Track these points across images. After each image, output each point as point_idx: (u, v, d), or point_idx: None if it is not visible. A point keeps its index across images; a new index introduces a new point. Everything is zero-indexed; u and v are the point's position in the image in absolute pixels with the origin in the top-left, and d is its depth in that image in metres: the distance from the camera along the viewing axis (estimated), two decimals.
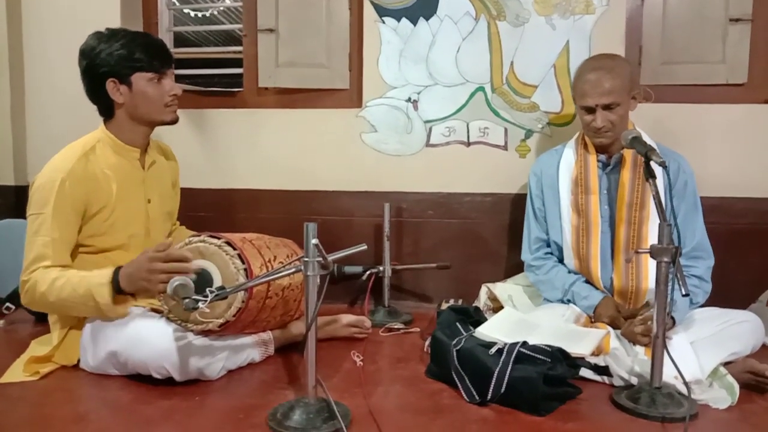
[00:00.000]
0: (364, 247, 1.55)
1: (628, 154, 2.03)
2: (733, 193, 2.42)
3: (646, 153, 1.71)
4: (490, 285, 2.34)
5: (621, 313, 1.97)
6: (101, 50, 1.83)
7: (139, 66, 1.84)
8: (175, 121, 1.96)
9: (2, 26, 2.74)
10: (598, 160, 2.09)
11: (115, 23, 2.61)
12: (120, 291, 1.70)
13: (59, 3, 2.75)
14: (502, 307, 2.17)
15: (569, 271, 2.13)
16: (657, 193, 1.64)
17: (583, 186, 2.09)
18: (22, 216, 1.85)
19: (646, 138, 2.08)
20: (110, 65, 1.83)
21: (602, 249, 2.06)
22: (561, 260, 2.18)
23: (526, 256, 2.25)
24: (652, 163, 1.69)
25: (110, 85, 1.85)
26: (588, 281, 2.09)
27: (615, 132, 2.01)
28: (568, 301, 2.09)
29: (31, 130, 2.84)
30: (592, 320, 2.02)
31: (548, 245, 2.22)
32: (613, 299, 2.03)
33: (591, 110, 2.01)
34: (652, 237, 1.97)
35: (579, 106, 2.06)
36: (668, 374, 1.60)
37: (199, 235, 1.76)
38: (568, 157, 2.16)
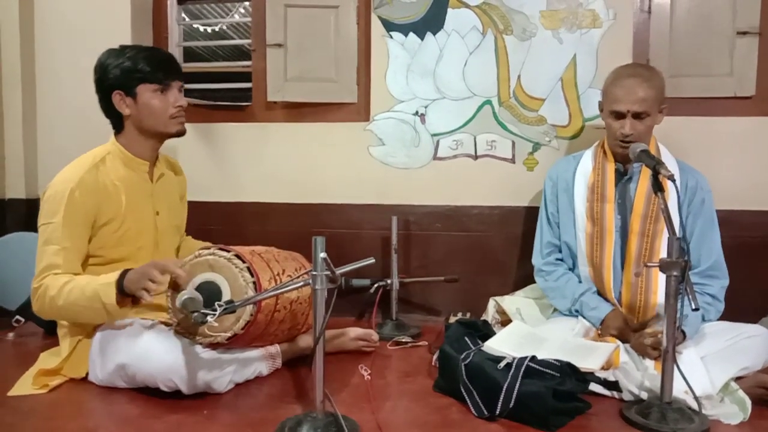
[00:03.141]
0: (372, 260, 1.56)
1: None
2: (743, 206, 2.41)
3: (654, 166, 1.71)
4: (498, 298, 2.33)
5: (629, 326, 1.96)
6: (109, 64, 1.87)
7: (141, 77, 1.87)
8: (181, 133, 1.98)
9: (15, 42, 2.77)
10: (615, 169, 2.09)
11: (126, 38, 2.66)
12: (124, 293, 1.69)
13: (71, 19, 2.79)
14: (510, 321, 2.16)
15: (580, 281, 2.13)
16: (666, 206, 1.64)
17: (599, 194, 2.08)
18: (32, 229, 1.86)
19: (665, 151, 2.09)
20: (116, 78, 1.87)
21: (614, 259, 2.05)
22: (572, 267, 2.18)
23: (537, 260, 2.24)
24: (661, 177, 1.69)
25: (116, 97, 1.88)
26: (599, 292, 2.08)
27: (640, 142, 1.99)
28: (576, 311, 2.08)
29: (41, 144, 2.87)
30: (600, 333, 2.01)
31: (560, 251, 2.21)
32: (621, 312, 2.01)
33: (621, 116, 1.99)
34: (664, 251, 1.95)
35: (608, 111, 2.03)
36: (679, 389, 1.59)
37: (209, 248, 1.77)
38: (586, 163, 2.15)
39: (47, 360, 1.90)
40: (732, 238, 2.18)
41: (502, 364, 1.67)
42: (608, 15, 2.47)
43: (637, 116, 1.97)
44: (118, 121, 1.93)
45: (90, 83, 1.93)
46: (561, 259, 2.21)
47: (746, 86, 2.42)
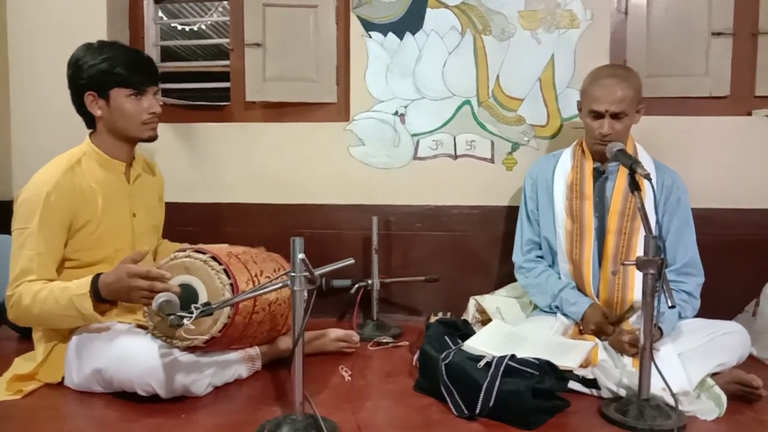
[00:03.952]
0: (352, 261, 1.56)
1: None
2: (718, 204, 2.45)
3: (631, 165, 1.72)
4: (478, 297, 2.34)
5: (608, 319, 1.98)
6: (85, 62, 1.82)
7: (118, 81, 1.83)
8: (153, 139, 1.94)
9: None
10: (594, 168, 2.11)
11: (102, 37, 2.61)
12: (101, 298, 1.67)
13: (45, 16, 2.74)
14: (490, 320, 2.17)
15: (559, 278, 2.14)
16: (642, 205, 1.66)
17: (578, 191, 2.10)
18: (6, 232, 1.83)
19: (641, 151, 2.11)
20: (90, 78, 1.82)
21: (593, 256, 2.07)
22: (551, 264, 2.20)
23: (517, 257, 2.26)
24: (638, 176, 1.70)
25: (88, 98, 1.84)
26: (579, 288, 2.10)
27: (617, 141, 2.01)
28: (557, 307, 2.10)
29: (16, 144, 2.81)
30: (580, 328, 2.02)
31: (540, 248, 2.23)
32: (600, 306, 2.03)
33: (599, 116, 2.02)
34: (641, 249, 1.96)
35: (587, 111, 2.05)
36: (656, 386, 1.61)
37: (184, 250, 1.75)
38: (565, 162, 2.18)
39: (22, 365, 1.86)
40: (708, 236, 2.21)
41: (481, 364, 1.67)
42: (586, 15, 2.49)
43: (615, 116, 1.99)
44: (90, 120, 1.90)
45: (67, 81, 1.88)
46: (541, 257, 2.23)
47: (721, 86, 2.46)
